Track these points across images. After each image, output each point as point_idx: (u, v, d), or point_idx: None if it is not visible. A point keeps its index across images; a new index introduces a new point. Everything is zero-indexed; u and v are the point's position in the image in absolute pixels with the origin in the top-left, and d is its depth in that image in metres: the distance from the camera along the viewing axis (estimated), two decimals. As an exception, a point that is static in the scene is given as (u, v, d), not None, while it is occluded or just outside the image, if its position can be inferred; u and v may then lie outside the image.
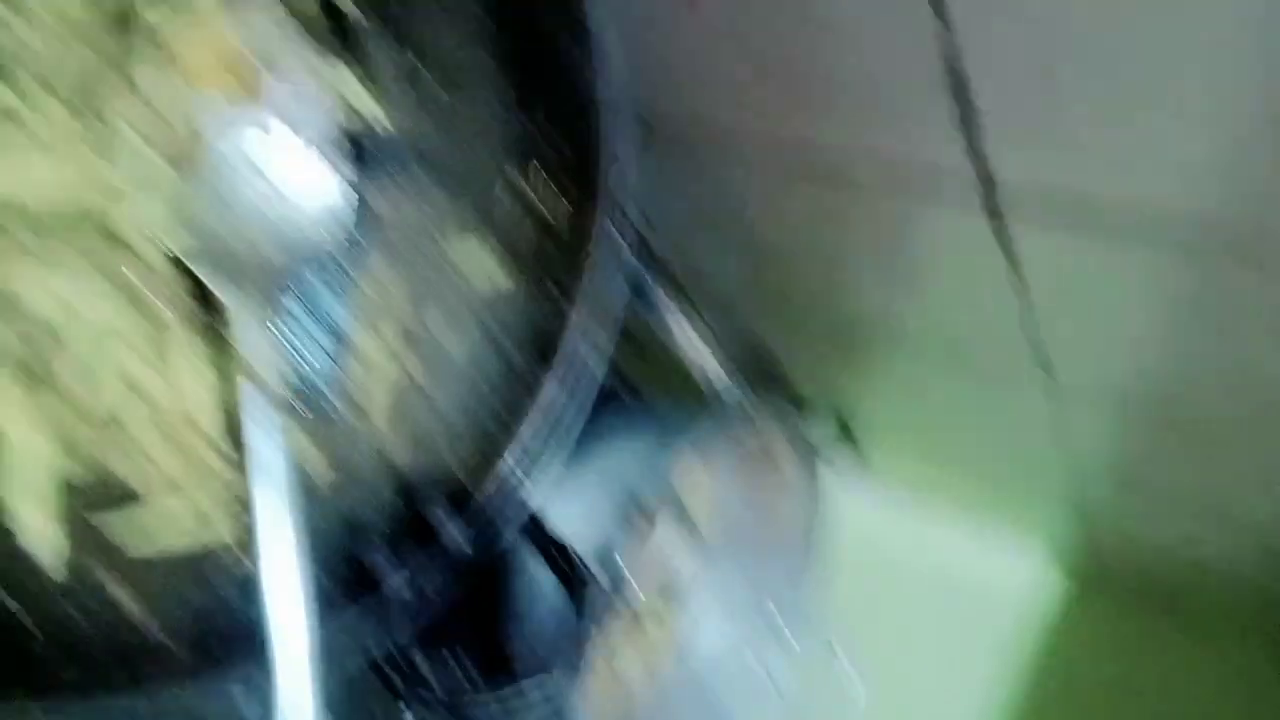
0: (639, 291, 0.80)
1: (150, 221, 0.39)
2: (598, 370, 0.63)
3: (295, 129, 0.42)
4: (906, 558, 1.09)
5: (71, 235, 0.38)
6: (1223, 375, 0.60)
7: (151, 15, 0.38)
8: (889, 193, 0.59)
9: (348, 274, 0.47)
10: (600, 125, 0.43)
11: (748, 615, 0.73)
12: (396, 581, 0.42)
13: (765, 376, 0.99)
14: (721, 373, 0.99)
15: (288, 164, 0.42)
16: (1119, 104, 0.43)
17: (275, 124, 0.41)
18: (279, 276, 0.42)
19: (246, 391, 0.40)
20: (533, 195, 0.46)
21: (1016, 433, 0.83)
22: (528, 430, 0.45)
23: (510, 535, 0.46)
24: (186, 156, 0.40)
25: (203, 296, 0.41)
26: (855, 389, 0.93)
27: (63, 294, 0.37)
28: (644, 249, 0.81)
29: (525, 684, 0.65)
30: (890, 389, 0.89)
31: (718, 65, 0.55)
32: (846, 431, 0.96)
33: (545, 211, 0.46)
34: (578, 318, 0.45)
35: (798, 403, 1.00)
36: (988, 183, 0.53)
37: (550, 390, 0.45)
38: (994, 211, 0.55)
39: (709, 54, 0.55)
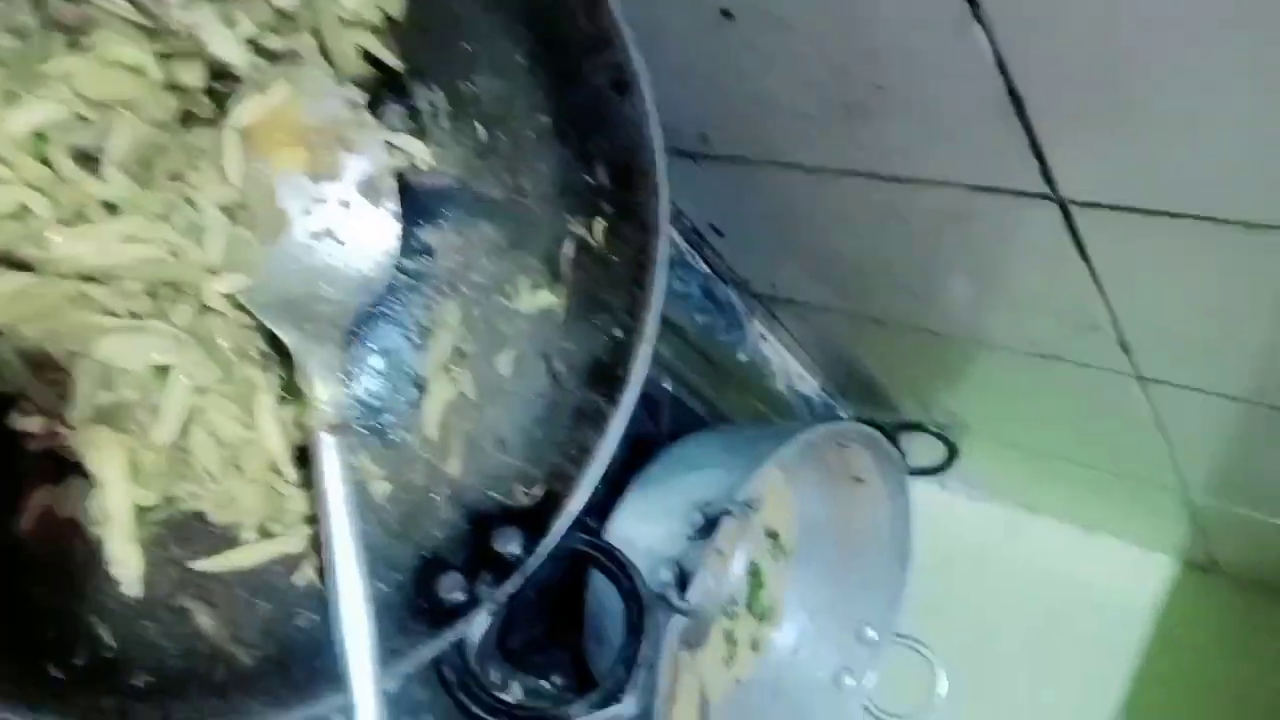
0: (721, 310, 0.81)
1: (234, 288, 0.42)
2: (667, 392, 0.65)
3: (361, 188, 0.45)
4: (1009, 558, 1.07)
5: (164, 302, 0.41)
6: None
7: (234, 105, 0.41)
8: (957, 198, 0.60)
9: (411, 306, 0.49)
10: (644, 158, 0.45)
11: (830, 619, 0.73)
12: (462, 599, 0.44)
13: (861, 393, 0.99)
14: (813, 386, 0.99)
15: (356, 220, 0.45)
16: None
17: (346, 188, 0.44)
18: (345, 321, 0.44)
19: (318, 429, 0.43)
20: (582, 225, 0.48)
21: (1113, 426, 0.81)
22: (581, 450, 0.46)
23: (574, 554, 0.47)
24: (269, 229, 0.43)
25: (276, 345, 0.44)
26: (950, 397, 0.92)
27: (155, 355, 0.40)
28: (724, 266, 0.82)
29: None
30: (985, 393, 0.88)
31: (777, 98, 0.57)
32: (948, 442, 0.95)
33: (593, 239, 0.48)
34: (631, 340, 0.46)
35: (896, 418, 1.00)
36: (1053, 186, 0.53)
37: (602, 410, 0.46)
38: (1056, 198, 0.54)
39: (767, 86, 0.56)
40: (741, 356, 0.89)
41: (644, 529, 0.59)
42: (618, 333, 0.46)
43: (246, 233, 0.42)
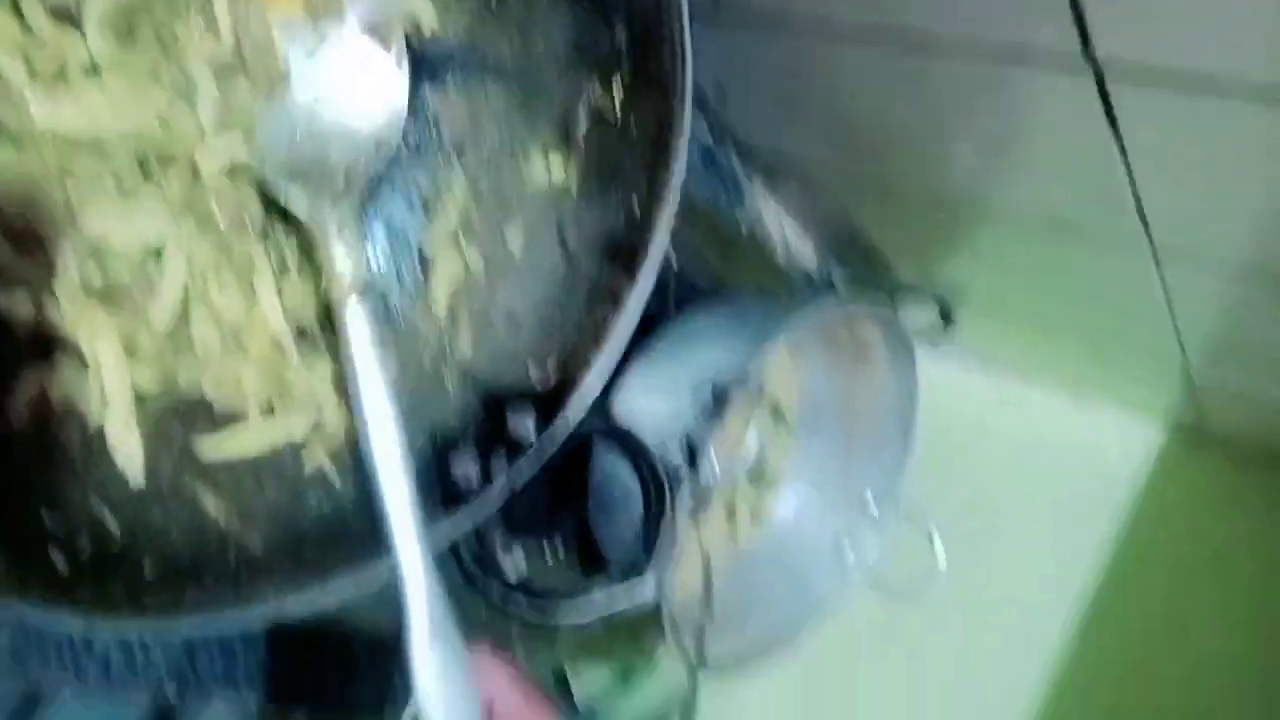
0: (722, 177, 0.79)
1: (231, 153, 0.39)
2: (671, 264, 0.63)
3: (367, 28, 0.41)
4: (1000, 424, 1.08)
5: (155, 173, 0.38)
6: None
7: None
8: (985, 62, 0.57)
9: (415, 177, 0.47)
10: (667, 18, 0.41)
11: (832, 490, 0.74)
12: (475, 481, 0.43)
13: (859, 258, 0.97)
14: (812, 257, 0.97)
15: (360, 75, 0.41)
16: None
17: (350, 31, 0.41)
18: (359, 184, 0.42)
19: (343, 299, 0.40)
20: (597, 91, 0.45)
21: (1120, 297, 0.80)
22: (597, 327, 0.44)
23: (585, 431, 0.46)
24: (267, 83, 0.39)
25: (283, 214, 0.41)
26: (952, 265, 0.91)
27: (147, 230, 0.38)
28: (726, 132, 0.79)
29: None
30: (988, 262, 0.87)
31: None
32: (944, 308, 0.95)
33: (609, 106, 0.45)
34: (649, 215, 0.44)
35: (893, 283, 0.99)
36: (1088, 45, 0.50)
37: (619, 286, 0.44)
38: (1095, 73, 0.52)
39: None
40: (741, 222, 0.87)
41: (650, 403, 0.58)
42: (635, 207, 0.44)
43: (243, 90, 0.39)
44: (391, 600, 0.38)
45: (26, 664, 0.45)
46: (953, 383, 1.05)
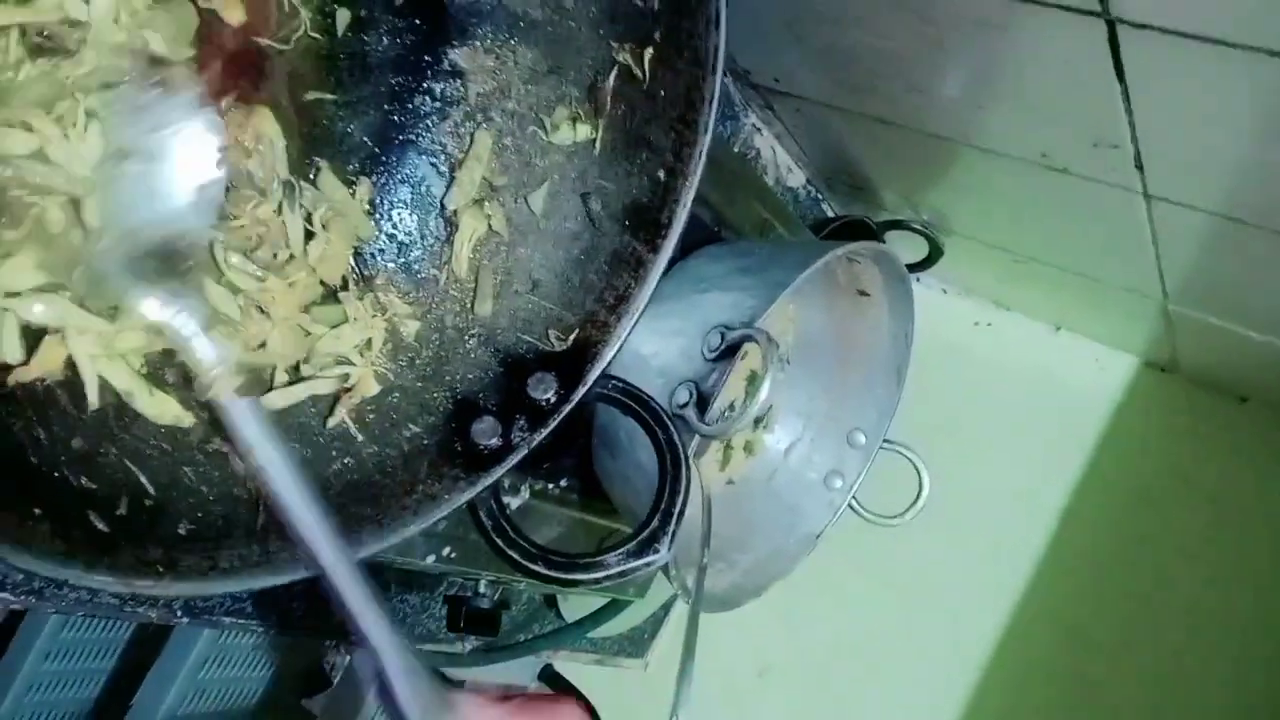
0: (722, 107, 0.78)
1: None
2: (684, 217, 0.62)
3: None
4: (982, 353, 1.10)
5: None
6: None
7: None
8: (993, 18, 0.57)
9: (440, 136, 0.46)
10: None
11: (824, 424, 0.75)
12: (496, 445, 0.43)
13: (847, 185, 0.97)
14: (801, 181, 0.97)
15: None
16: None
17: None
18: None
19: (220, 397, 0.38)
20: (627, 56, 0.44)
21: (1105, 235, 0.82)
22: (618, 295, 0.44)
23: (606, 399, 0.46)
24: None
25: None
26: (939, 196, 0.91)
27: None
28: (727, 61, 0.78)
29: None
30: (975, 194, 0.87)
31: None
32: (933, 242, 0.95)
33: (638, 72, 0.44)
34: (675, 183, 0.43)
35: (881, 211, 0.99)
36: (1105, 3, 0.50)
37: (641, 255, 0.44)
38: (1107, 23, 0.52)
39: None
40: (735, 148, 0.86)
41: (658, 346, 0.58)
42: (660, 174, 0.43)
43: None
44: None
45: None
46: (932, 306, 1.06)
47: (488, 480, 0.43)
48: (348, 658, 1.01)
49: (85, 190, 0.35)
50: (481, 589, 0.74)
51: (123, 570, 0.37)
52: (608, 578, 0.42)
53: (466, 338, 0.46)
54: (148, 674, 1.03)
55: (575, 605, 0.85)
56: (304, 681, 1.10)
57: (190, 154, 0.38)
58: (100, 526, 0.37)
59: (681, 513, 0.43)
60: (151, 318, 0.37)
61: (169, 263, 0.38)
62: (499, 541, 0.42)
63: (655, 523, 0.43)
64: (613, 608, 0.81)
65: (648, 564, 0.42)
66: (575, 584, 0.42)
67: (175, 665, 1.03)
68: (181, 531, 0.40)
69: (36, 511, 0.35)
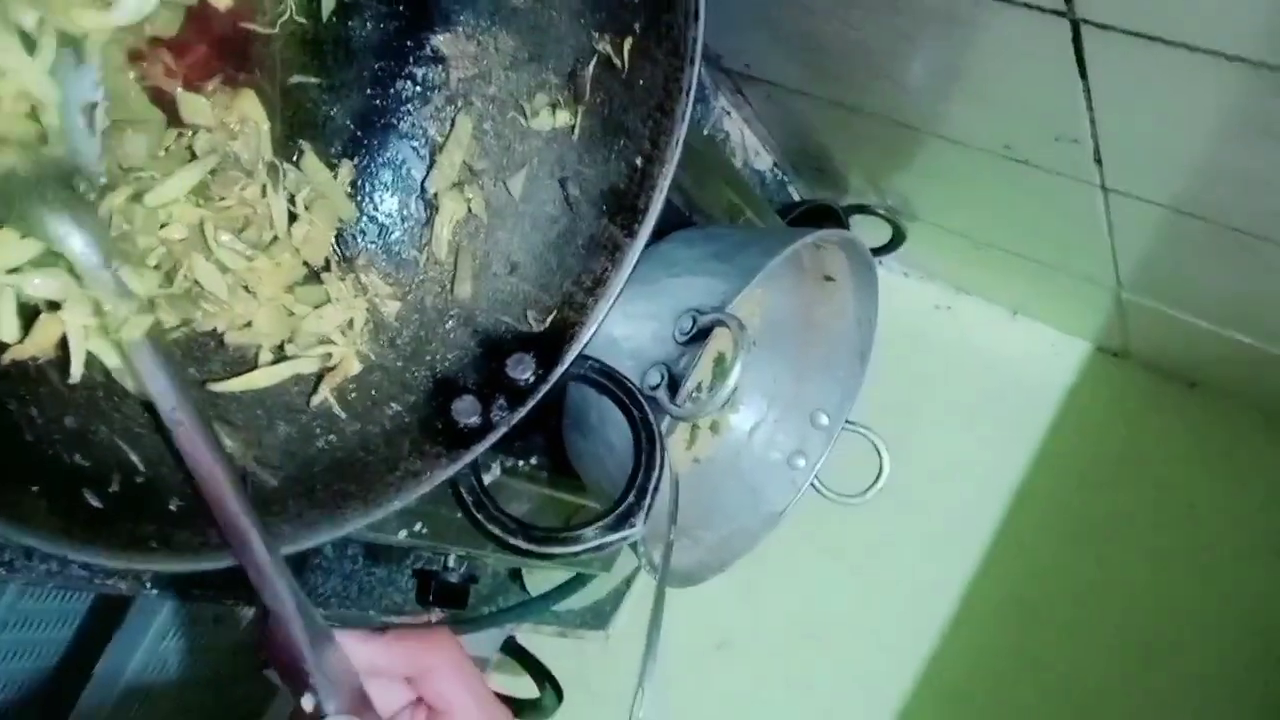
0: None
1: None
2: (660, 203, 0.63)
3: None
4: (939, 336, 1.12)
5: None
6: (1273, 189, 0.61)
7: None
8: (960, 13, 0.59)
9: (421, 120, 0.46)
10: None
11: (787, 404, 0.77)
12: (476, 423, 0.44)
13: (813, 170, 0.99)
14: (769, 164, 0.98)
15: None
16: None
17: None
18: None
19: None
20: (607, 44, 0.45)
21: (1062, 224, 0.84)
22: (595, 279, 0.45)
23: (584, 379, 0.48)
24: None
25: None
26: (901, 181, 0.93)
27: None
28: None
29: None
30: (937, 181, 0.89)
31: None
32: (896, 227, 0.97)
33: (617, 60, 0.45)
34: (651, 169, 0.44)
35: (843, 197, 1.00)
36: (1071, 3, 0.52)
37: (618, 240, 0.45)
38: (1071, 23, 0.54)
39: None
40: (705, 131, 0.88)
41: (630, 329, 0.60)
42: (638, 161, 0.44)
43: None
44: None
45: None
46: (893, 288, 1.08)
47: (469, 457, 0.44)
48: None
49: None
50: (450, 563, 0.75)
51: (119, 546, 0.38)
52: (585, 550, 0.43)
53: (446, 318, 0.47)
54: (109, 644, 1.03)
55: (540, 579, 0.86)
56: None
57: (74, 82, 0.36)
58: (95, 503, 0.38)
59: (656, 489, 0.44)
60: (61, 246, 0.35)
61: (69, 190, 0.36)
62: (479, 517, 0.44)
63: (631, 498, 0.44)
64: (577, 581, 0.83)
65: (624, 538, 0.44)
66: (553, 557, 0.43)
67: (137, 636, 1.03)
68: (173, 508, 0.40)
69: (34, 489, 0.36)
